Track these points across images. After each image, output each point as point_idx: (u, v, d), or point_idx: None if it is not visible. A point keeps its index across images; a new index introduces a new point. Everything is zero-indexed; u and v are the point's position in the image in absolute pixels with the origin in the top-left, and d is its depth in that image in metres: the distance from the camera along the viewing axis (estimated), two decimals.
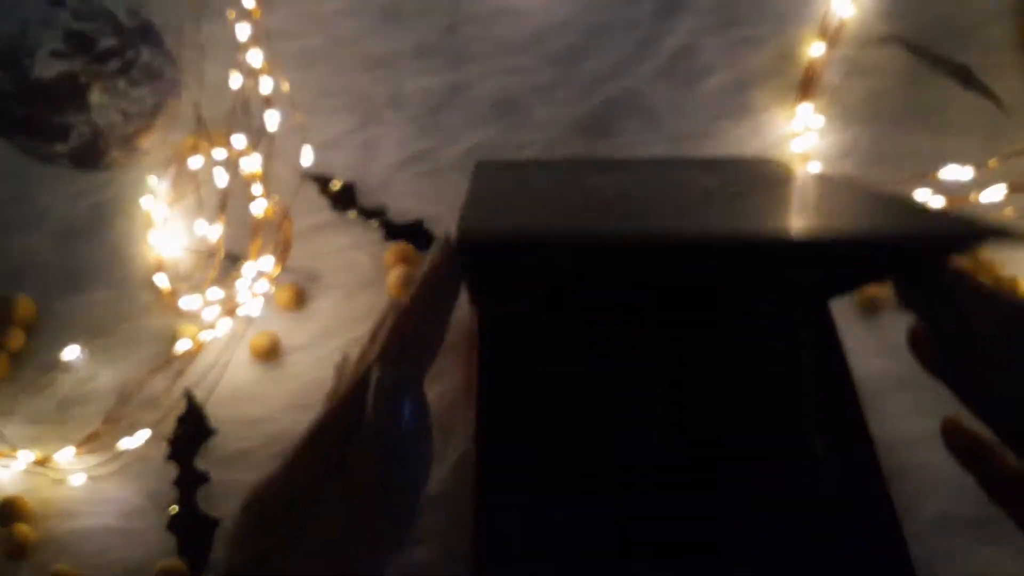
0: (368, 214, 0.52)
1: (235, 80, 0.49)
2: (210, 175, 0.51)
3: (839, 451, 0.32)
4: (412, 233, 0.52)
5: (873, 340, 0.48)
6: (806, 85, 0.56)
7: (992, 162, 0.52)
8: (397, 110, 0.56)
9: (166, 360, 0.46)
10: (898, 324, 0.49)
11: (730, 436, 0.32)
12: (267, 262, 0.49)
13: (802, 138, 0.55)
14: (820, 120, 0.55)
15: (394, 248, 0.50)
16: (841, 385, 0.33)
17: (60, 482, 0.44)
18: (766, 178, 0.36)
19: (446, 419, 0.45)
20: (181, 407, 0.45)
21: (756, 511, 0.30)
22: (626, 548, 0.30)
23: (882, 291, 0.50)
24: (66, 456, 0.44)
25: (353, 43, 0.58)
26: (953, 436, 0.31)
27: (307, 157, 0.51)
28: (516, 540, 0.30)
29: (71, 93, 0.51)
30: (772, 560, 0.30)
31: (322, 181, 0.53)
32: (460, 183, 0.53)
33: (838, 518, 0.31)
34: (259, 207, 0.49)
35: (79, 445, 0.44)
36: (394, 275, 0.49)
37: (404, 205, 0.53)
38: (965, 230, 0.27)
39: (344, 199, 0.53)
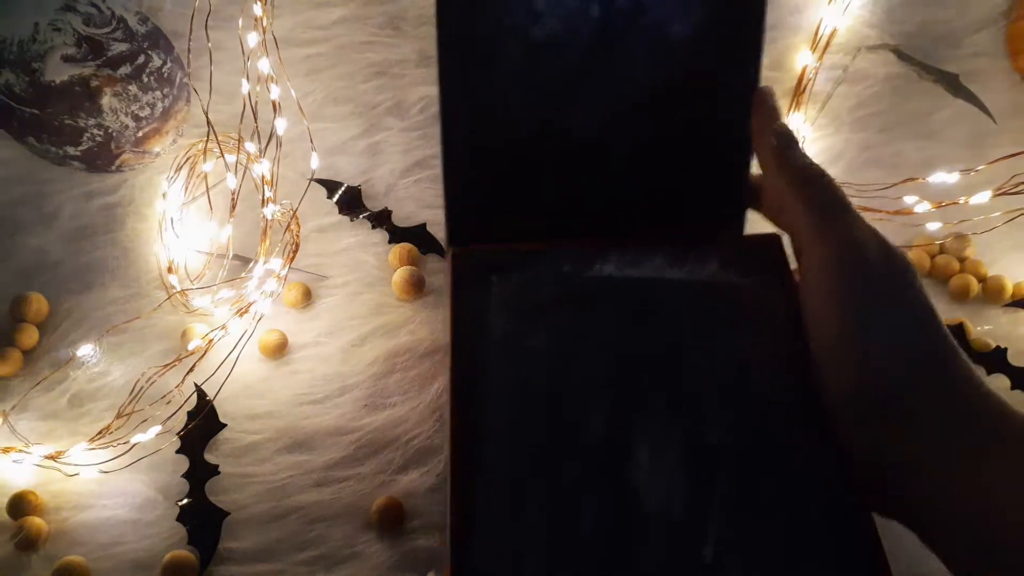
0: (373, 218, 0.53)
1: (244, 86, 0.50)
2: (220, 178, 0.52)
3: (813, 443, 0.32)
4: (416, 235, 0.53)
5: None
6: (797, 93, 0.57)
7: (980, 167, 0.53)
8: (400, 117, 0.57)
9: (177, 357, 0.48)
10: None
11: (713, 437, 0.32)
12: (275, 262, 0.50)
13: None
14: (810, 128, 0.57)
15: (398, 249, 0.52)
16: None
17: (73, 476, 0.45)
18: None
19: (444, 413, 0.46)
20: (191, 402, 0.46)
21: (741, 515, 0.30)
22: (602, 530, 0.30)
23: None
24: (78, 451, 0.45)
25: (358, 51, 0.59)
26: None
27: (314, 163, 0.53)
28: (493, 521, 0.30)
29: (83, 97, 0.52)
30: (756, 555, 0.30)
31: (329, 185, 0.54)
32: None
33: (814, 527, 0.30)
34: (268, 209, 0.50)
35: (91, 440, 0.45)
36: (399, 275, 0.50)
37: (408, 209, 0.54)
38: None
39: (350, 204, 0.54)
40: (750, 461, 0.31)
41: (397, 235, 0.53)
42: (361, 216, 0.54)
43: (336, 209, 0.54)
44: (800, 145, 0.34)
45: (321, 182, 0.54)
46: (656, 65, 0.36)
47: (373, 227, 0.53)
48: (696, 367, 0.33)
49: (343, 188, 0.54)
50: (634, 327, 0.34)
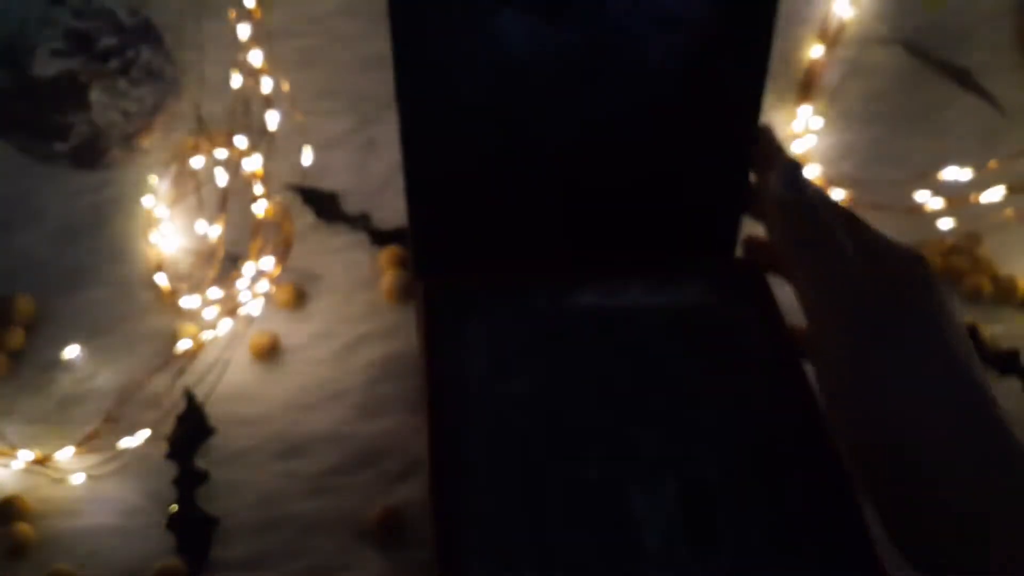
0: (353, 222, 0.52)
1: (235, 80, 0.50)
2: (210, 174, 0.51)
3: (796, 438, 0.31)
4: (400, 236, 0.51)
5: None
6: (806, 86, 0.56)
7: (992, 163, 0.52)
8: (396, 111, 0.56)
9: (166, 360, 0.46)
10: None
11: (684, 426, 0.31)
12: (267, 262, 0.49)
13: (802, 139, 0.56)
14: (820, 121, 0.56)
15: (387, 252, 0.50)
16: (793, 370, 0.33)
17: (60, 481, 0.44)
18: None
19: None
20: (181, 406, 0.45)
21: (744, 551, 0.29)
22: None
23: None
24: (66, 455, 0.44)
25: (352, 43, 0.58)
26: None
27: (307, 157, 0.52)
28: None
29: (71, 92, 0.52)
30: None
31: (310, 192, 0.53)
32: None
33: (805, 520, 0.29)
34: (259, 207, 0.49)
35: (79, 444, 0.44)
36: (387, 282, 0.49)
37: (401, 206, 0.53)
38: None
39: (329, 210, 0.53)
40: (748, 497, 0.29)
41: (378, 238, 0.51)
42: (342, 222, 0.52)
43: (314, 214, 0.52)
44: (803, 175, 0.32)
45: (300, 190, 0.52)
46: (642, 83, 0.33)
47: (353, 228, 0.52)
48: (686, 400, 0.32)
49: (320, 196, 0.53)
50: (619, 360, 0.33)
